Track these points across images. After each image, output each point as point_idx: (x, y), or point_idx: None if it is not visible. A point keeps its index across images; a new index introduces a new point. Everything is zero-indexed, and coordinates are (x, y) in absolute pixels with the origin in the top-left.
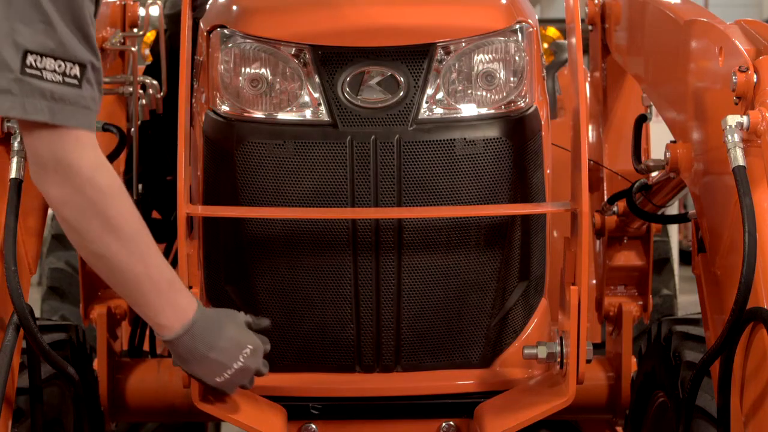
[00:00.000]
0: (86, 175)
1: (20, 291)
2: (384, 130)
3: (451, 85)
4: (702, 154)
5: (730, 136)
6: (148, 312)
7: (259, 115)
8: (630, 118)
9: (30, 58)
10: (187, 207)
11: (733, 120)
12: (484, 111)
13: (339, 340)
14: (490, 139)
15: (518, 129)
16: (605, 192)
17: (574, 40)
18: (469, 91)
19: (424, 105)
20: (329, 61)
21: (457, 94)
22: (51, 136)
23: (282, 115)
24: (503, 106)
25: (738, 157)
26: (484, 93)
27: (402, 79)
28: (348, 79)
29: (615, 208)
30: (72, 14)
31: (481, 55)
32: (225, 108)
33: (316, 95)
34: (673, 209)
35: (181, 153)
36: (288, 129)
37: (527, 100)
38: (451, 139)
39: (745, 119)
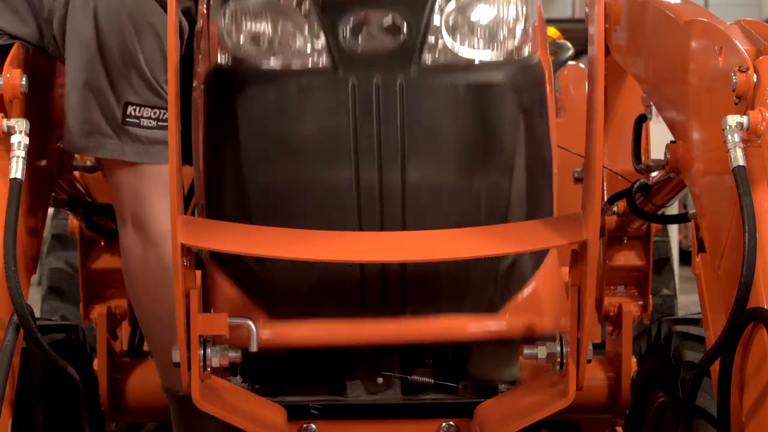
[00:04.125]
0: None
1: (20, 291)
2: (387, 75)
3: (453, 30)
4: (702, 154)
5: (730, 136)
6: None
7: (260, 64)
8: (630, 118)
9: (130, 109)
10: (181, 237)
11: (733, 120)
12: (487, 57)
13: (344, 287)
14: (494, 85)
15: (522, 76)
16: (605, 192)
17: (595, 49)
18: (472, 37)
19: (427, 50)
20: (330, 7)
21: (459, 40)
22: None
23: (283, 64)
24: (506, 53)
25: (738, 157)
26: (487, 39)
27: (404, 25)
28: (349, 25)
29: (615, 208)
30: (164, 65)
31: (483, 2)
32: (226, 59)
33: (318, 42)
34: (673, 209)
35: (173, 162)
36: (290, 77)
37: (530, 48)
38: (454, 85)
39: (745, 119)
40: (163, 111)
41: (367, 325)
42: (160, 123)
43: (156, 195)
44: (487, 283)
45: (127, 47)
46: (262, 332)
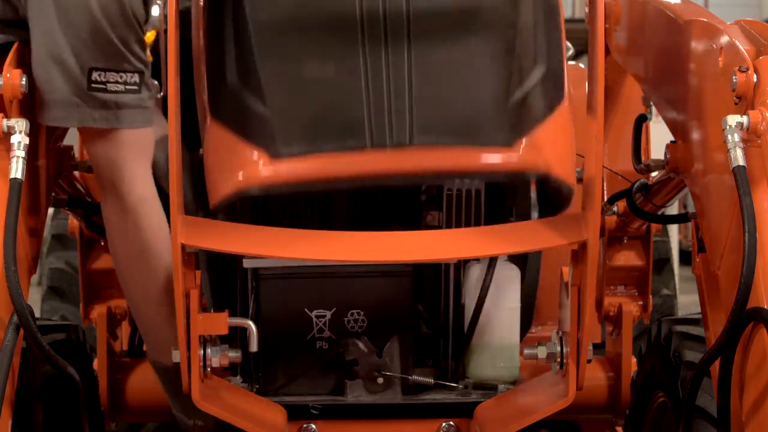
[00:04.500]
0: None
1: (20, 291)
2: None
3: None
4: (702, 154)
5: (730, 136)
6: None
7: None
8: (630, 118)
9: (94, 75)
10: (181, 237)
11: (733, 120)
12: None
13: (348, 116)
14: None
15: None
16: (605, 192)
17: (595, 49)
18: None
19: None
20: None
21: None
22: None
23: None
24: None
25: (738, 157)
26: None
27: None
28: None
29: (615, 208)
30: (128, 26)
31: None
32: None
33: None
34: (673, 209)
35: (173, 161)
36: None
37: None
38: None
39: (745, 119)
40: (130, 74)
41: (373, 155)
42: (128, 87)
43: (130, 160)
44: (497, 116)
45: (87, 11)
46: (265, 170)
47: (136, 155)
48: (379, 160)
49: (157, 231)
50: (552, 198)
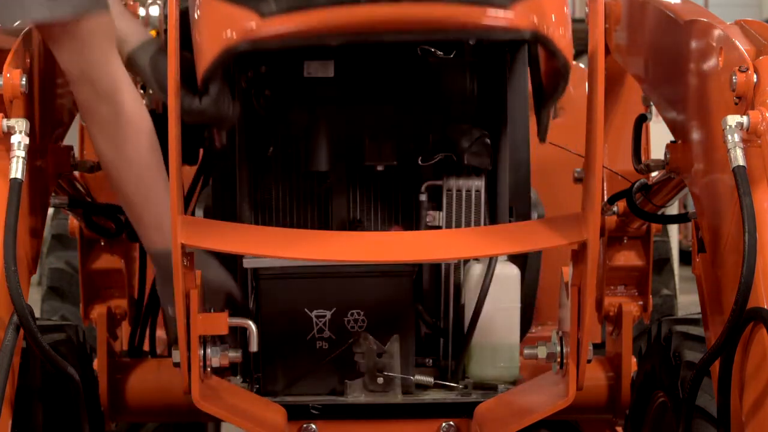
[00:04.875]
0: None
1: (20, 291)
2: None
3: None
4: (702, 154)
5: (730, 136)
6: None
7: None
8: (630, 118)
9: None
10: (181, 237)
11: (733, 120)
12: None
13: None
14: None
15: None
16: (605, 192)
17: (595, 49)
18: None
19: None
20: None
21: None
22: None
23: None
24: None
25: (738, 157)
26: None
27: None
28: None
29: (615, 208)
30: None
31: None
32: None
33: None
34: (673, 209)
35: (173, 162)
36: None
37: None
38: None
39: (745, 119)
40: None
41: (366, 9)
42: None
43: (92, 47)
44: None
45: None
46: (254, 26)
47: (98, 42)
48: (371, 13)
49: (134, 109)
50: (547, 70)
